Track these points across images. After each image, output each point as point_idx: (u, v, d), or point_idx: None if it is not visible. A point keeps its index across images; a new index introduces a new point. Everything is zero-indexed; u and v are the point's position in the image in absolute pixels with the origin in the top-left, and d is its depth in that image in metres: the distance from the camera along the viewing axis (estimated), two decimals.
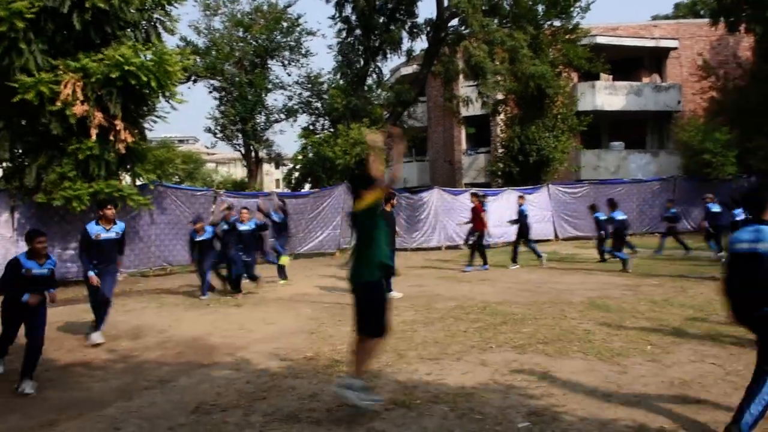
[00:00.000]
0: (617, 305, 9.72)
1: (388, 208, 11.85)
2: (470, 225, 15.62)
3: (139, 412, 5.48)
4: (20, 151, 13.72)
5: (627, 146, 29.54)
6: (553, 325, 8.45)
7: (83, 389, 6.28)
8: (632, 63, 30.50)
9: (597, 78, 28.76)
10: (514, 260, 15.56)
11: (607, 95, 28.67)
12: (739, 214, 12.77)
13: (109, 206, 8.41)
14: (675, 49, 29.81)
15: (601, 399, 5.36)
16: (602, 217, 15.87)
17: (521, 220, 15.71)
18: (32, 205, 13.30)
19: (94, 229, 8.21)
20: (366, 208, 5.05)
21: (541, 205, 22.57)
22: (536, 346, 7.28)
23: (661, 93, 29.42)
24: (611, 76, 29.42)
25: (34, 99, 11.94)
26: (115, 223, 8.48)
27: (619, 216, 15.01)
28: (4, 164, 14.36)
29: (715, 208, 15.90)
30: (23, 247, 13.17)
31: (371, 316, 5.02)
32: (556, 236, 22.75)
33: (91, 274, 8.03)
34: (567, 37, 24.46)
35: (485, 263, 15.25)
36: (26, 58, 12.09)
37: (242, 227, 12.07)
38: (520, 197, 16.53)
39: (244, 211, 12.40)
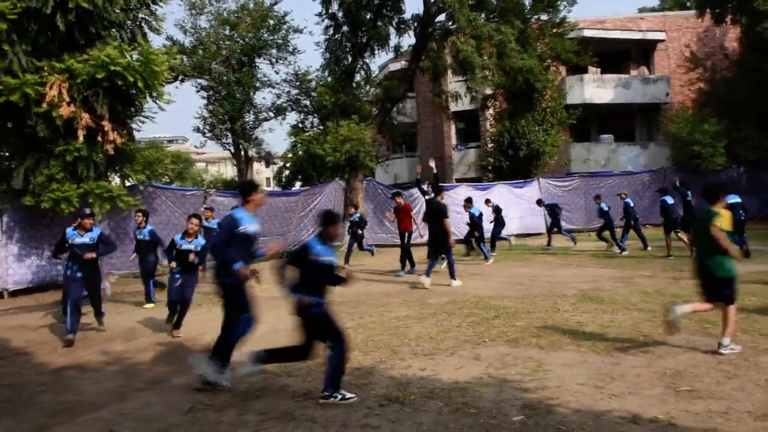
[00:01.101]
0: (610, 297, 9.76)
1: (439, 199, 12.53)
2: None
3: (133, 414, 5.45)
4: (7, 153, 13.65)
5: (616, 139, 29.65)
6: (546, 318, 8.47)
7: (77, 392, 6.23)
8: (620, 56, 30.58)
9: (585, 71, 28.80)
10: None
11: (596, 88, 28.74)
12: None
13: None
14: (662, 41, 29.91)
15: (594, 390, 5.38)
16: (477, 213, 16.56)
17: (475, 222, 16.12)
18: (20, 208, 13.21)
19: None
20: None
21: (532, 199, 22.59)
22: (529, 339, 7.30)
23: (649, 85, 29.53)
24: (599, 69, 29.50)
25: (20, 101, 11.84)
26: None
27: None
28: None
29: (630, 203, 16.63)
30: (13, 251, 13.19)
31: (729, 293, 6.39)
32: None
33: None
34: (554, 30, 24.52)
35: (403, 268, 14.20)
36: (10, 59, 11.99)
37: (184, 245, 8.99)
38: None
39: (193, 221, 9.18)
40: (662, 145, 28.55)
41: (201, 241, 9.11)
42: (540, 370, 6.04)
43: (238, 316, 6.02)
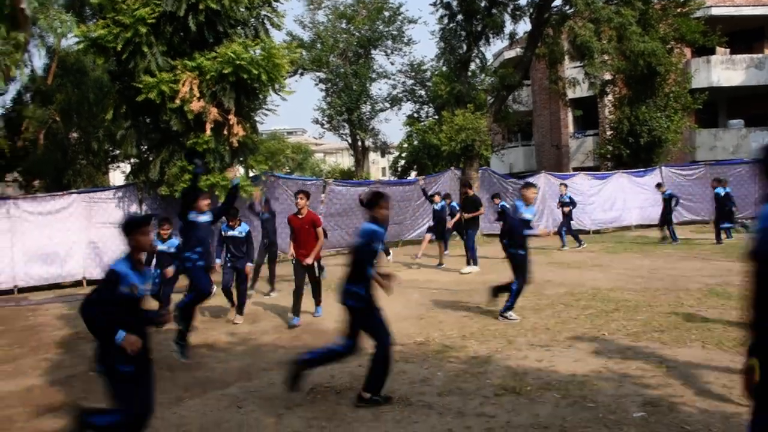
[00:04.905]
0: (739, 293, 9.23)
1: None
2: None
3: (258, 392, 5.81)
4: (145, 147, 14.67)
5: (747, 124, 27.77)
6: (668, 312, 8.18)
7: (207, 369, 6.71)
8: (752, 34, 28.54)
9: (712, 52, 27.15)
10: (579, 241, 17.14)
11: (724, 70, 27.03)
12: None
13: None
14: None
15: (722, 390, 5.16)
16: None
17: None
18: (157, 198, 14.21)
19: None
20: None
21: (654, 189, 21.65)
22: (651, 334, 7.09)
23: None
24: (728, 50, 27.70)
25: (156, 98, 12.70)
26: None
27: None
28: (132, 160, 15.41)
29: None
30: (151, 236, 14.18)
31: None
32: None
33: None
34: (678, 10, 23.26)
35: (318, 305, 9.35)
36: (149, 60, 12.90)
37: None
38: (563, 185, 18.14)
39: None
40: None
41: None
42: (662, 366, 5.87)
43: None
